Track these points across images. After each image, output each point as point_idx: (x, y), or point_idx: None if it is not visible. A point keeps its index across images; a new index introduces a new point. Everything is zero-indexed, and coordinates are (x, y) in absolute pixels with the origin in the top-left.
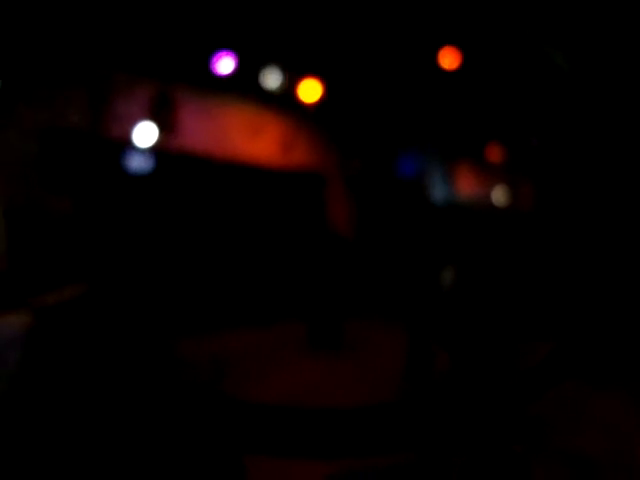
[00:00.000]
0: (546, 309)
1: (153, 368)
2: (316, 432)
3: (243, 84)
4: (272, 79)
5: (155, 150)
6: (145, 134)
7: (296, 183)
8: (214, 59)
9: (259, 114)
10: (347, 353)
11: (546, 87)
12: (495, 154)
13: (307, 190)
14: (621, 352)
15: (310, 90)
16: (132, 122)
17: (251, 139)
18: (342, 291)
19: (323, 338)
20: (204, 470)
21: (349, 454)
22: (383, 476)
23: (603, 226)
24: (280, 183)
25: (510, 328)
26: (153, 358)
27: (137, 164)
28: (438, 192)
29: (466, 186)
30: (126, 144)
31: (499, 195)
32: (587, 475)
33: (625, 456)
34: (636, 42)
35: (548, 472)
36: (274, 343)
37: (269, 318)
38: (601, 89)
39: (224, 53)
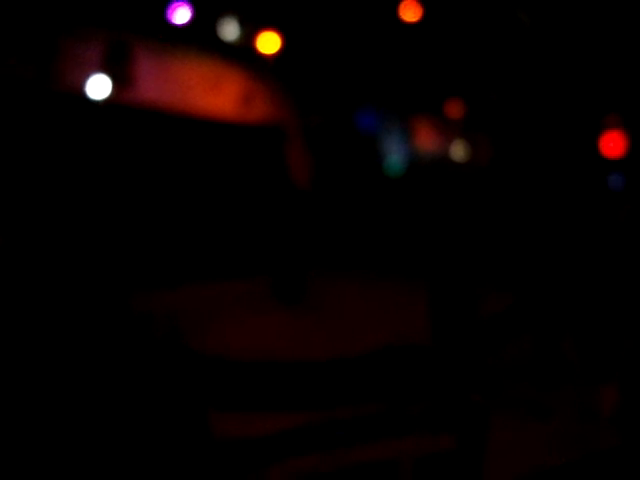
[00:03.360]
0: (502, 260)
1: (109, 323)
2: (282, 385)
3: (201, 36)
4: (230, 31)
5: (110, 102)
6: (99, 86)
7: (256, 137)
8: (170, 9)
9: (217, 67)
10: (310, 305)
11: (507, 42)
12: (454, 110)
13: (267, 144)
14: (572, 304)
15: (269, 42)
16: (86, 73)
17: (210, 92)
18: (304, 244)
19: (287, 291)
20: (167, 427)
21: (316, 406)
22: (351, 426)
23: (558, 184)
24: (240, 137)
25: (472, 276)
26: (108, 313)
27: (90, 116)
28: (396, 147)
29: (425, 141)
30: (79, 95)
31: (458, 150)
32: (541, 418)
33: (574, 400)
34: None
35: (505, 419)
36: (236, 297)
37: (231, 272)
38: (561, 46)
39: (180, 3)
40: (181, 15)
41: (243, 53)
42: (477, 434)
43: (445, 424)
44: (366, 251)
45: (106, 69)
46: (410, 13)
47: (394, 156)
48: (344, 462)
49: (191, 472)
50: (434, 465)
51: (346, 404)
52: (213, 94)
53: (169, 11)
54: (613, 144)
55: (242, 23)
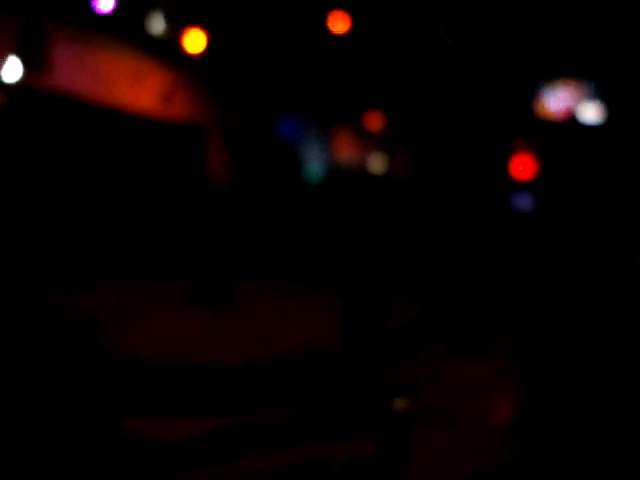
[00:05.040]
0: (414, 269)
1: (22, 320)
2: (194, 389)
3: (125, 27)
4: (156, 25)
5: (22, 87)
6: (12, 68)
7: (175, 135)
8: None
9: (140, 61)
10: (227, 309)
11: (428, 59)
12: (374, 122)
13: (186, 142)
14: (480, 316)
15: (195, 41)
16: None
17: (130, 86)
18: (223, 244)
19: (204, 292)
20: (76, 430)
21: (230, 411)
22: (264, 430)
23: (469, 201)
24: (159, 134)
25: (384, 286)
26: (22, 311)
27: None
28: (315, 155)
29: (344, 151)
30: None
31: (376, 162)
32: (450, 428)
33: (481, 409)
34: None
35: (415, 428)
36: (154, 297)
37: (149, 273)
38: (482, 65)
39: None
40: (105, 2)
41: (168, 49)
42: (400, 442)
43: (367, 431)
44: (282, 256)
45: (20, 52)
46: (339, 24)
47: (313, 164)
48: (261, 467)
49: (100, 473)
50: (360, 471)
51: (259, 409)
52: (134, 88)
53: None
54: (522, 166)
55: (169, 18)
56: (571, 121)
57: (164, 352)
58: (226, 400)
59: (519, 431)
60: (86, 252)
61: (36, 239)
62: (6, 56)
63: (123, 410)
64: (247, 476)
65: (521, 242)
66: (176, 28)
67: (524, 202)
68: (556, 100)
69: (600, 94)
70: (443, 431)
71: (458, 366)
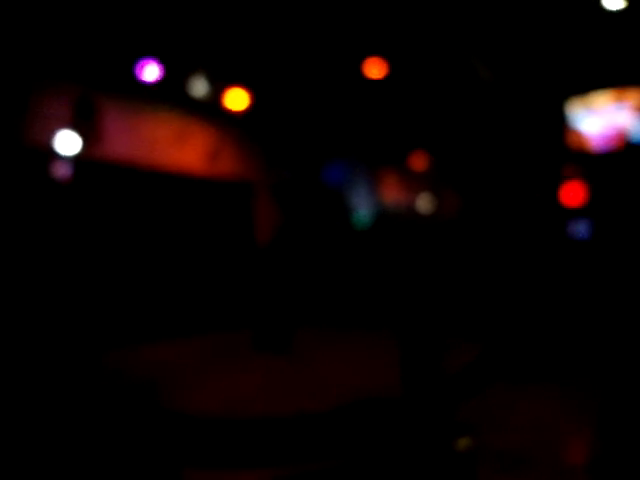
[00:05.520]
0: (470, 310)
1: (85, 381)
2: (254, 443)
3: (169, 92)
4: (198, 87)
5: (78, 158)
6: (68, 141)
7: (223, 192)
8: (139, 66)
9: (185, 122)
10: (293, 360)
11: (470, 97)
12: (419, 162)
13: (234, 199)
14: (540, 353)
15: (237, 99)
16: (54, 129)
17: (177, 148)
18: (282, 297)
19: (265, 343)
20: None
21: (292, 461)
22: (328, 478)
23: (523, 234)
24: (207, 192)
25: (441, 328)
26: (84, 371)
27: (60, 172)
28: (363, 200)
29: (391, 194)
30: (48, 152)
31: (424, 203)
32: (517, 470)
33: (549, 450)
34: (553, 55)
35: (481, 469)
36: (215, 351)
37: (208, 327)
38: (522, 101)
39: (149, 60)
40: (150, 72)
41: (211, 109)
42: None
43: (432, 472)
44: (337, 303)
45: (75, 125)
46: (375, 70)
47: (361, 209)
48: None
49: None
50: None
51: (323, 457)
52: (181, 150)
53: (138, 68)
54: (573, 194)
55: (210, 79)
56: (623, 144)
57: (227, 405)
58: (290, 450)
59: (591, 472)
60: (143, 309)
61: (97, 299)
62: (62, 130)
63: (185, 464)
64: None
65: (582, 271)
66: (218, 88)
67: (580, 230)
68: (600, 129)
69: None
70: (510, 473)
71: (521, 404)
